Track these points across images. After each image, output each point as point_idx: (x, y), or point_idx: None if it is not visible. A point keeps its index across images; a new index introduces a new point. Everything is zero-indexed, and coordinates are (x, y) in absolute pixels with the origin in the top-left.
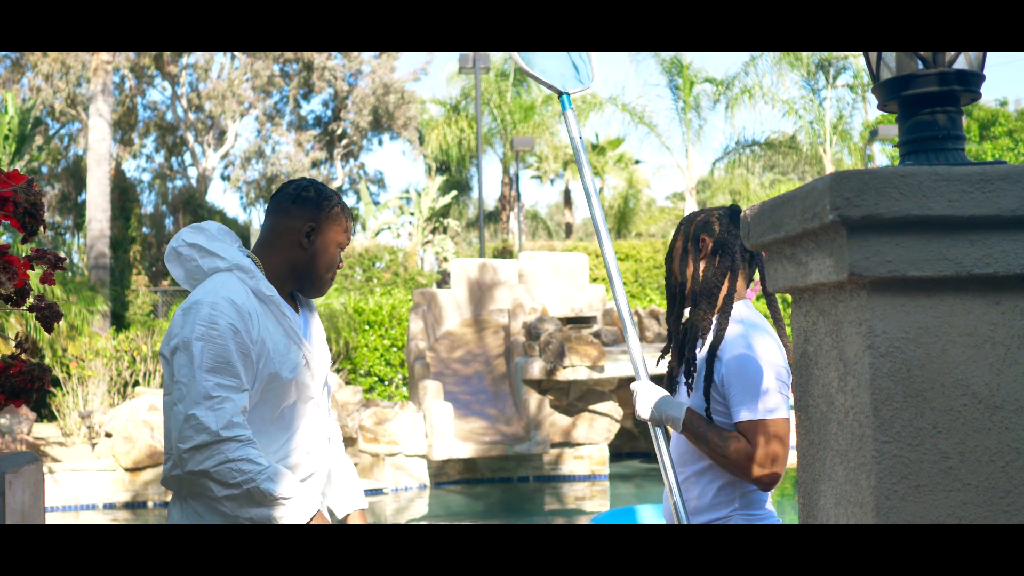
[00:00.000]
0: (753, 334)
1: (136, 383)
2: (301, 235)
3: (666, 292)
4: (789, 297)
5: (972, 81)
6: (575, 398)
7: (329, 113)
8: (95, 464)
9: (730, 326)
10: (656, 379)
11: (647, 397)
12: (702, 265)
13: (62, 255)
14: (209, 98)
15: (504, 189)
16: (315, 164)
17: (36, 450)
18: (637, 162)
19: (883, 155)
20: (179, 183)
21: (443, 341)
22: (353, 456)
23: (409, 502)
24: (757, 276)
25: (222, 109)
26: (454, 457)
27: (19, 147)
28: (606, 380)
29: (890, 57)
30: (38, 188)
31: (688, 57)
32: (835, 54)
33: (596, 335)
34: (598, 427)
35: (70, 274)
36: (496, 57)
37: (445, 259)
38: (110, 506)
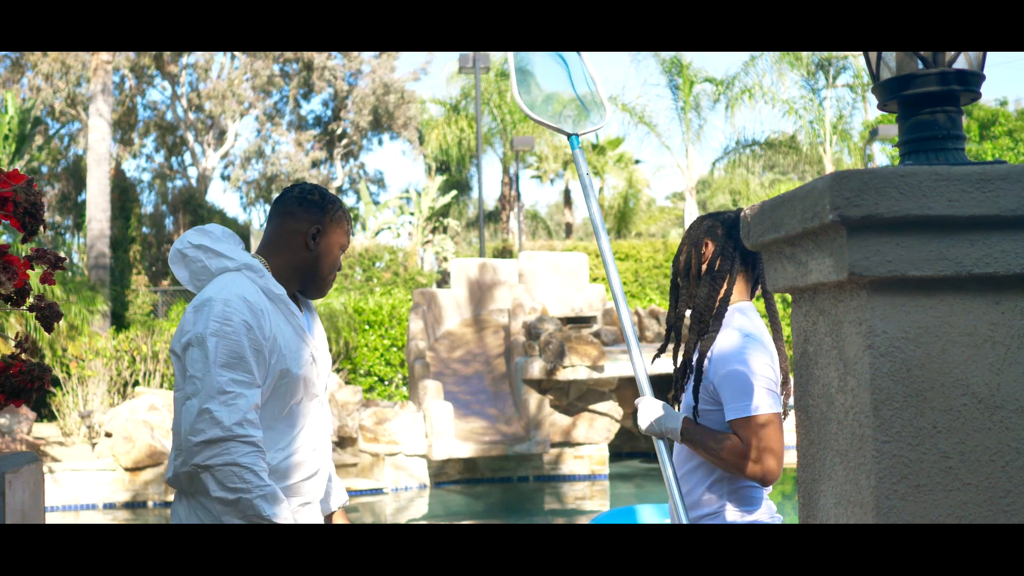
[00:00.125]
0: (747, 345)
1: (136, 383)
2: (307, 237)
3: (670, 293)
4: (789, 297)
5: (972, 81)
6: (575, 398)
7: (329, 113)
8: (95, 464)
9: (726, 334)
10: (655, 379)
11: (648, 413)
12: (703, 269)
13: (62, 255)
14: (209, 98)
15: (504, 189)
16: (315, 164)
17: (36, 450)
18: (637, 162)
19: (883, 155)
20: (179, 183)
21: (443, 341)
22: (353, 456)
23: (409, 502)
24: None
25: (222, 109)
26: (454, 457)
27: (19, 147)
28: (606, 380)
29: (890, 57)
30: (38, 188)
31: (688, 57)
32: (835, 54)
33: (596, 335)
34: (598, 427)
35: (70, 274)
36: (496, 57)
37: (445, 259)
38: (110, 506)
